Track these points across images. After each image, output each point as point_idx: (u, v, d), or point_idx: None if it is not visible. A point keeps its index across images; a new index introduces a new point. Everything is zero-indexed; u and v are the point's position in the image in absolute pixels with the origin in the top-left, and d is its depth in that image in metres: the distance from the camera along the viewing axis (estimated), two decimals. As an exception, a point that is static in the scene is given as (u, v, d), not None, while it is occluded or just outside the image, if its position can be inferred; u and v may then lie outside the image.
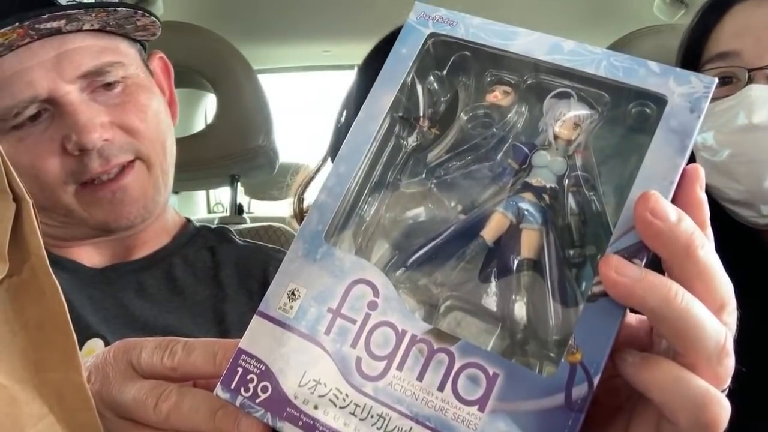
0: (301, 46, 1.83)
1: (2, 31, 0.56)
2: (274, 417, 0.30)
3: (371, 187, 0.34)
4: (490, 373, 0.28)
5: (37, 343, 0.30)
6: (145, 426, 0.34)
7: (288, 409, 0.30)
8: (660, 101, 0.30)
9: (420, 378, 0.29)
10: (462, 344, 0.29)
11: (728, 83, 0.62)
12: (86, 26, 0.62)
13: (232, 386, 0.31)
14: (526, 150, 0.33)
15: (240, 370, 0.31)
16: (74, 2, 0.62)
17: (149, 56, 0.74)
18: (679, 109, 0.30)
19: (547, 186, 0.32)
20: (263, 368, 0.31)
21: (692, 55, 0.67)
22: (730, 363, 0.27)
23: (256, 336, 0.31)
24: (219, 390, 0.31)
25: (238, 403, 0.30)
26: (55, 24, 0.59)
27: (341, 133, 0.86)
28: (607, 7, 1.51)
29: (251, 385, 0.31)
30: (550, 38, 0.33)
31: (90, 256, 0.70)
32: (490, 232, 0.32)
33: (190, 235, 0.77)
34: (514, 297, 0.31)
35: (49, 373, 0.31)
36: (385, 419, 0.29)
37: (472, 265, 0.32)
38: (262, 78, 1.24)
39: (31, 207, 0.29)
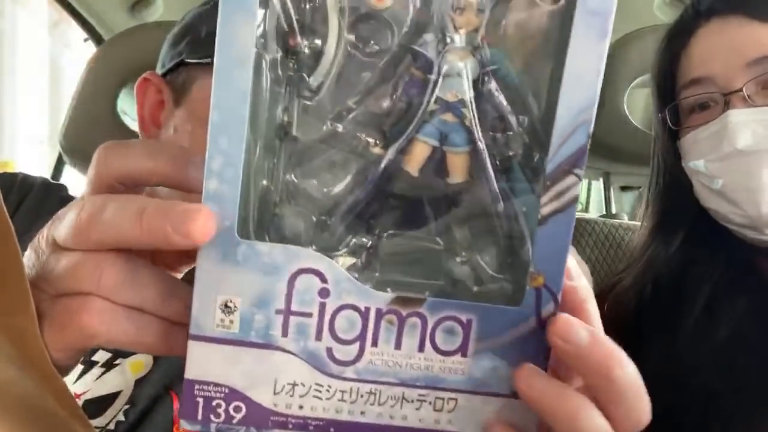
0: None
1: None
2: (260, 429, 0.28)
3: (264, 150, 0.27)
4: (464, 320, 0.28)
5: None
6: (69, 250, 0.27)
7: (272, 417, 0.28)
8: None
9: (398, 347, 0.28)
10: (430, 303, 0.28)
11: (707, 108, 0.61)
12: None
13: (199, 417, 0.28)
14: (429, 56, 0.28)
15: (200, 400, 0.28)
16: None
17: None
18: None
19: (465, 98, 0.28)
20: (227, 391, 0.28)
21: (666, 81, 0.66)
22: None
23: (202, 362, 0.27)
24: (185, 425, 0.28)
25: (213, 431, 0.28)
26: None
27: None
28: None
29: (221, 410, 0.28)
30: None
31: None
32: (413, 163, 0.28)
33: None
34: (451, 222, 0.29)
35: None
36: (375, 394, 0.28)
37: (400, 201, 0.29)
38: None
39: None
